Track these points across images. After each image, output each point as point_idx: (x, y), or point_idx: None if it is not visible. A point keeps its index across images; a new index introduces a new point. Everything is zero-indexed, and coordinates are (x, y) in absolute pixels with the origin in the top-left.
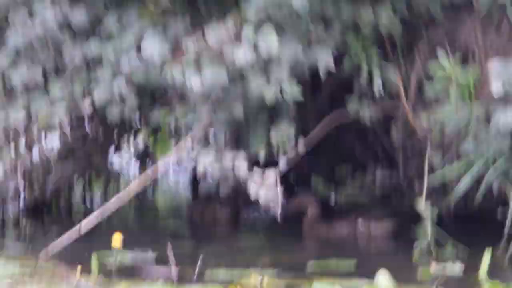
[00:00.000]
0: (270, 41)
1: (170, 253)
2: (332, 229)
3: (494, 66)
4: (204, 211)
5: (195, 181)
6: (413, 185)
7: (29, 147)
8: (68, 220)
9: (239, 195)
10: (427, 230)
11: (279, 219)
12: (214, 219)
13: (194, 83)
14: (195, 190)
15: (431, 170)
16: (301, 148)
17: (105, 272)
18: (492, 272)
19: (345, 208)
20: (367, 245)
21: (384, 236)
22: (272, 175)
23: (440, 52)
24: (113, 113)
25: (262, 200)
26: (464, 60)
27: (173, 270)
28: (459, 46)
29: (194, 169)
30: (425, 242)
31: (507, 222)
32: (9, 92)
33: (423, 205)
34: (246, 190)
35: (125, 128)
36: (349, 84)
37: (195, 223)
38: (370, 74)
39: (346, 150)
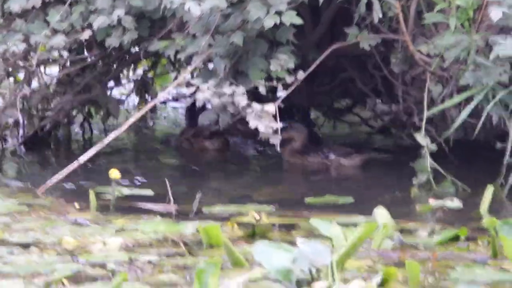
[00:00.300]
0: None
1: (168, 189)
2: (306, 161)
3: None
4: (196, 142)
5: (192, 112)
6: (412, 118)
7: (28, 79)
8: (67, 153)
9: (234, 127)
10: (426, 164)
11: (279, 150)
12: (204, 149)
13: (193, 10)
14: (192, 121)
15: (431, 102)
16: (301, 79)
17: (103, 208)
18: (490, 207)
19: (340, 142)
20: (337, 178)
21: (354, 170)
22: (271, 107)
23: None
24: (113, 43)
25: (261, 132)
26: None
27: (171, 206)
28: None
29: (193, 103)
30: (424, 176)
31: (506, 155)
32: (8, 22)
33: (422, 138)
34: (242, 123)
35: (125, 60)
36: (349, 14)
37: (188, 155)
38: (369, 2)
39: (346, 82)
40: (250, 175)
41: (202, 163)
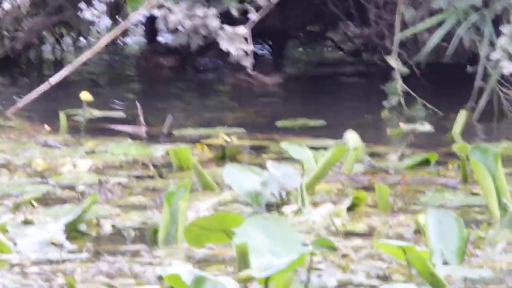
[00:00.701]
0: None
1: (139, 111)
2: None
3: None
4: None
5: (151, 29)
6: (384, 42)
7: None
8: (39, 75)
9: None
10: (397, 87)
11: (251, 72)
12: (159, 66)
13: None
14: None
15: (404, 26)
16: (274, 2)
17: (73, 130)
18: (461, 132)
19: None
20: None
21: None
22: (243, 29)
23: None
24: None
25: (232, 54)
26: None
27: (142, 128)
28: None
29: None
30: (395, 99)
31: (477, 79)
32: None
33: (393, 61)
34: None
35: None
36: None
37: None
38: None
39: (318, 5)
40: (219, 98)
41: (163, 83)
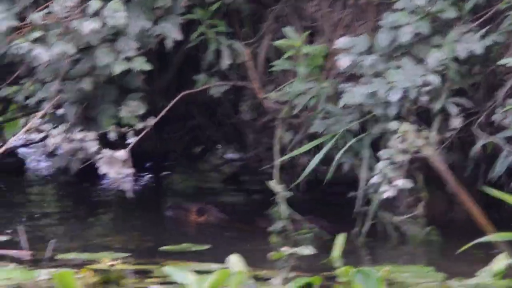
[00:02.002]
0: (117, 16)
1: (22, 235)
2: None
3: (342, 42)
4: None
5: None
6: (263, 165)
7: None
8: None
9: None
10: (282, 211)
11: (131, 196)
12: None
13: (41, 56)
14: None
15: (282, 150)
16: (151, 125)
17: None
18: (346, 256)
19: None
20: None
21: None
22: (122, 153)
23: (288, 28)
24: None
25: (112, 178)
26: (313, 37)
27: (26, 252)
28: (307, 21)
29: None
30: (281, 223)
31: (357, 204)
32: None
33: (275, 186)
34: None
35: None
36: (198, 59)
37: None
38: (218, 50)
39: (196, 129)
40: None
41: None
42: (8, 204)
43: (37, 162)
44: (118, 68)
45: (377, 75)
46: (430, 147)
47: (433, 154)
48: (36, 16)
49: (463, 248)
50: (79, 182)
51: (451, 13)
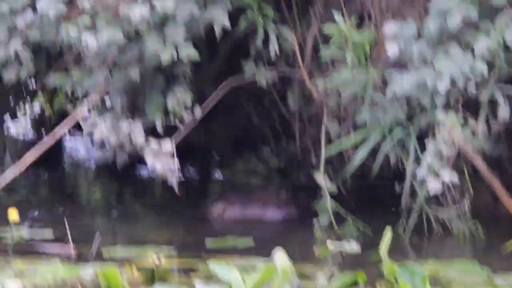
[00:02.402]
0: (166, 1)
1: (67, 230)
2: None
3: (390, 29)
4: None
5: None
6: (310, 157)
7: None
8: None
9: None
10: (327, 205)
11: (176, 190)
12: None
13: (90, 43)
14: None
15: (328, 140)
16: (198, 115)
17: (2, 251)
18: (390, 251)
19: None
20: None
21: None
22: (168, 144)
23: (336, 14)
24: (10, 75)
25: (158, 170)
26: (361, 23)
27: (71, 248)
28: (355, 8)
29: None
30: (325, 218)
31: (404, 196)
32: None
33: (321, 179)
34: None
35: (21, 93)
36: (246, 47)
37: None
38: (266, 36)
39: (243, 119)
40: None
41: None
42: (51, 197)
43: (82, 153)
44: (166, 56)
45: (425, 62)
46: (471, 143)
47: (473, 151)
48: (85, 1)
49: (508, 244)
50: (123, 174)
51: None
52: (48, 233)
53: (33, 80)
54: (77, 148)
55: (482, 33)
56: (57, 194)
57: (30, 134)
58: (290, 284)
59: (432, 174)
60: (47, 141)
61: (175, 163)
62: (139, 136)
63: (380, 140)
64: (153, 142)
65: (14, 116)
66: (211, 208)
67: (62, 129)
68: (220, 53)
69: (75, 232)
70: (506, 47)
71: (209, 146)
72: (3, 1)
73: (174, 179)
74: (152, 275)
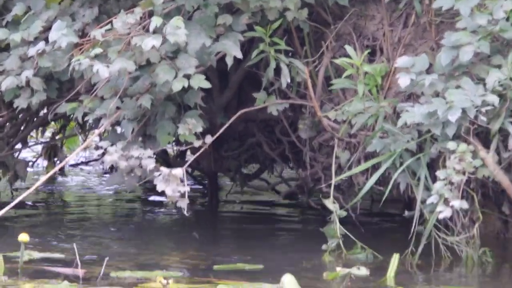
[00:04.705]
0: (178, 33)
1: (76, 252)
2: None
3: (402, 62)
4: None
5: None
6: (320, 184)
7: None
8: None
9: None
10: (336, 230)
11: (187, 214)
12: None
13: (102, 72)
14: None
15: (339, 169)
16: (209, 143)
17: (11, 273)
18: (399, 277)
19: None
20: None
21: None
22: (179, 171)
23: (348, 47)
24: (21, 104)
25: (168, 196)
26: (373, 55)
27: (79, 270)
28: (367, 40)
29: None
30: (334, 242)
31: (414, 224)
32: None
33: (331, 204)
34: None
35: (33, 121)
36: (257, 78)
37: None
38: (278, 67)
39: (254, 147)
40: (160, 237)
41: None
42: (61, 219)
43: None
44: (178, 86)
45: (437, 94)
46: (487, 167)
47: (495, 169)
48: (97, 33)
49: None
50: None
51: None
52: (57, 255)
53: (45, 109)
54: (88, 172)
55: (493, 67)
56: (67, 217)
57: (42, 160)
58: None
59: (442, 201)
60: (58, 167)
61: (185, 188)
62: (149, 161)
63: (391, 167)
64: (163, 168)
65: (25, 142)
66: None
67: (73, 156)
68: (232, 82)
69: (84, 255)
70: None
71: (219, 172)
72: (16, 31)
73: (184, 203)
74: None
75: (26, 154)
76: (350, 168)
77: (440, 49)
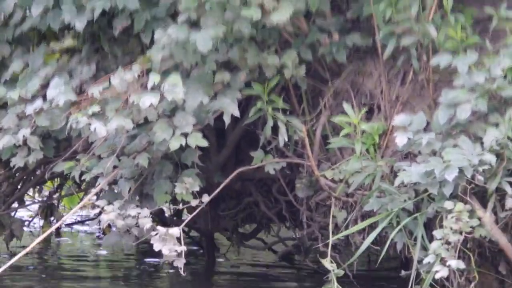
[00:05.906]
0: (176, 90)
1: None
2: None
3: (400, 120)
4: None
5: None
6: (317, 243)
7: None
8: None
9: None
10: None
11: (183, 274)
12: None
13: (99, 131)
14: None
15: (336, 228)
16: (205, 203)
17: None
18: None
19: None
20: None
21: None
22: (176, 230)
23: (346, 104)
24: (18, 162)
25: (165, 255)
26: (370, 112)
27: None
28: (365, 97)
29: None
30: None
31: (410, 283)
32: None
33: (328, 264)
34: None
35: (30, 180)
36: (254, 137)
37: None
38: (275, 125)
39: (251, 206)
40: None
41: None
42: (58, 280)
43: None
44: (175, 144)
45: (434, 153)
46: (484, 227)
47: (492, 228)
48: (95, 90)
49: None
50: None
51: (510, 91)
52: None
53: (41, 166)
54: (84, 232)
55: (491, 125)
56: (65, 278)
57: (38, 219)
58: None
59: (438, 261)
60: (54, 226)
61: (182, 248)
62: (146, 220)
63: (388, 227)
64: (160, 227)
65: (22, 201)
66: None
67: (69, 215)
68: (229, 140)
69: None
70: None
71: (216, 231)
72: (14, 88)
73: (180, 263)
74: None
75: (22, 213)
76: (347, 227)
77: (438, 107)
